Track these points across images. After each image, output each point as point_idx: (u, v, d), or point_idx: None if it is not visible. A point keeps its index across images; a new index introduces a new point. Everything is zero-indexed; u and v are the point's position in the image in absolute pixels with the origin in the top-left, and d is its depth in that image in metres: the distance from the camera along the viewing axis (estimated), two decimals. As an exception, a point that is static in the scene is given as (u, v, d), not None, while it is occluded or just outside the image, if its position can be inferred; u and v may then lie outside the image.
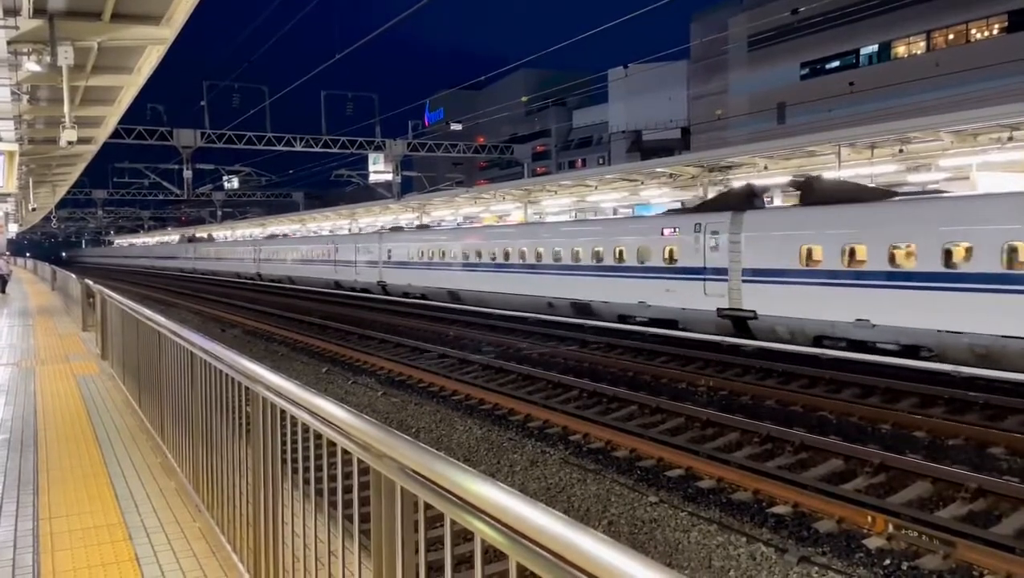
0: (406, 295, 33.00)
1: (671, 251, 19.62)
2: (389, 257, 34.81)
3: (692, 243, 18.82)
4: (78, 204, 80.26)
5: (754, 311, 17.25)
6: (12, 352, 13.20)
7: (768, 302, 16.96)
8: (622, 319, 20.98)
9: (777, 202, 22.83)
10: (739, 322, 17.73)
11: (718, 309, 18.06)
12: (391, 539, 2.13)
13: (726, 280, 17.85)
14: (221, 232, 76.38)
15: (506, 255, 26.20)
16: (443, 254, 30.31)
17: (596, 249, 22.30)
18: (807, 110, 44.18)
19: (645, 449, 10.23)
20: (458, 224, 40.10)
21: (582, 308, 22.53)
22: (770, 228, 17.22)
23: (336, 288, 39.96)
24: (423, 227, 37.75)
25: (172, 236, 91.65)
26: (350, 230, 51.56)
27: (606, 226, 24.18)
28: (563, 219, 34.99)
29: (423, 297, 31.52)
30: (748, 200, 18.55)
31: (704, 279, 18.45)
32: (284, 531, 3.12)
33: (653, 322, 19.91)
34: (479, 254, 27.86)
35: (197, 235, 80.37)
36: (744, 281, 17.47)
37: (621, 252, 21.36)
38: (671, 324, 19.40)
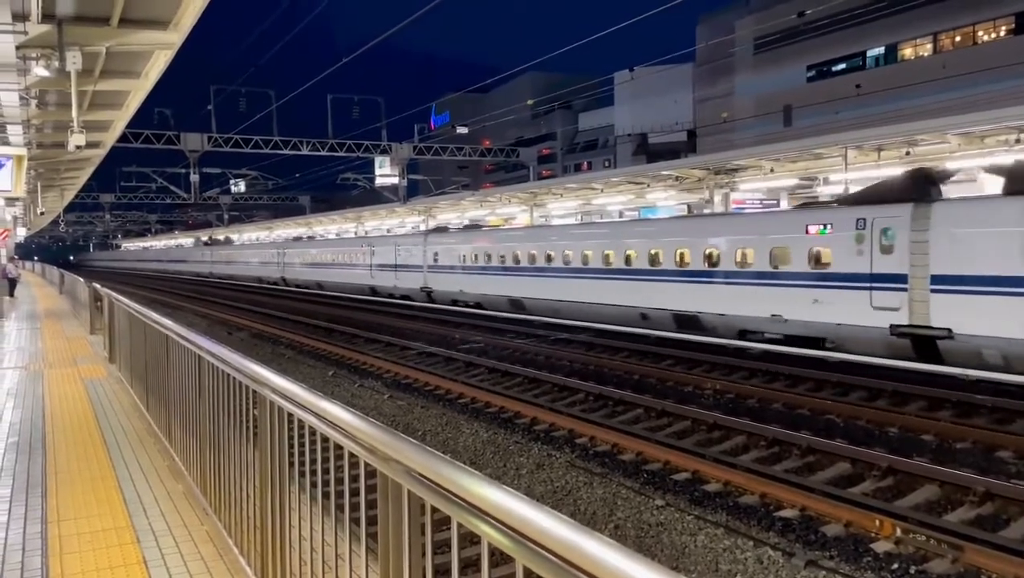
0: (455, 303, 29.49)
1: (820, 253, 16.19)
2: (436, 260, 31.14)
3: (852, 242, 15.36)
4: (86, 208, 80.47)
5: (949, 329, 13.75)
6: (20, 355, 13.26)
7: (973, 319, 13.40)
8: (743, 335, 17.53)
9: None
10: (923, 342, 14.25)
11: (892, 326, 14.59)
12: (398, 542, 2.13)
13: (905, 289, 14.43)
14: (240, 234, 74.50)
15: (585, 258, 22.71)
16: (504, 257, 26.61)
17: (709, 251, 18.57)
18: (814, 112, 44.08)
19: (652, 452, 10.22)
20: (508, 224, 36.87)
21: (687, 321, 19.06)
22: (977, 223, 13.54)
23: (372, 295, 36.64)
24: (473, 226, 34.07)
25: (187, 239, 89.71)
26: (361, 231, 51.13)
27: (724, 223, 19.55)
28: (660, 215, 30.32)
29: (477, 306, 27.96)
30: (923, 188, 14.95)
31: (871, 288, 15.00)
32: (291, 534, 3.13)
33: (790, 340, 16.33)
34: (549, 257, 24.24)
35: (214, 237, 77.76)
36: (934, 291, 14.01)
37: (745, 254, 17.71)
38: (815, 343, 16.00)
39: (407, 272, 33.49)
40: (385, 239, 38.02)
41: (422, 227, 42.23)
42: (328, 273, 42.57)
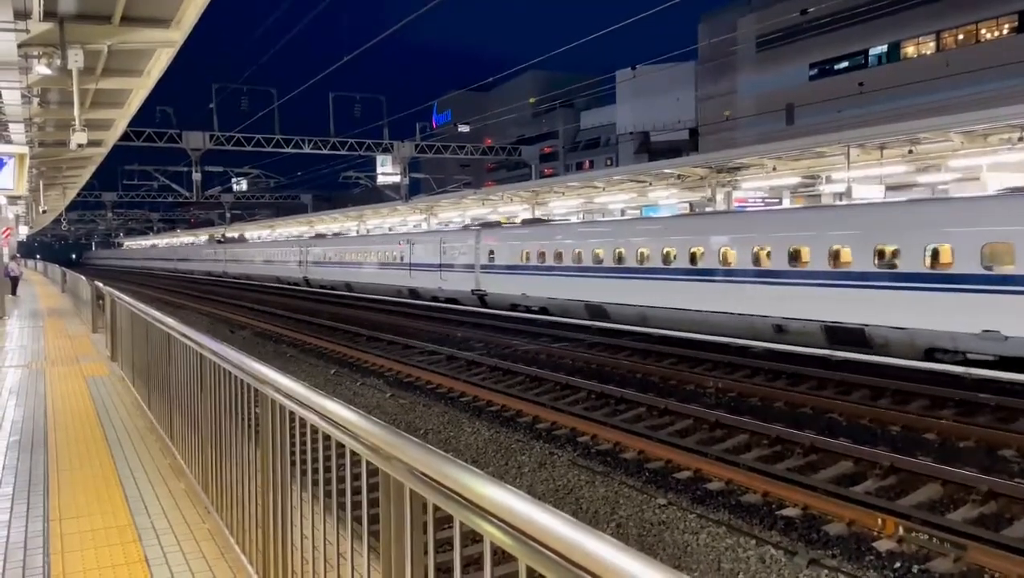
0: (514, 307, 25.76)
1: None
2: (491, 259, 27.25)
3: None
4: (88, 206, 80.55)
5: None
6: (23, 353, 13.27)
7: None
8: (929, 355, 14.07)
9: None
10: None
11: None
12: (400, 541, 2.13)
13: None
14: (256, 231, 70.80)
15: (693, 257, 19.02)
16: (580, 255, 22.76)
17: (883, 247, 15.03)
18: (816, 111, 44.04)
19: (654, 451, 10.21)
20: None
21: (848, 335, 15.27)
22: None
23: (412, 297, 32.90)
24: (535, 221, 29.36)
25: (198, 236, 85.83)
26: (366, 229, 49.87)
27: (907, 211, 15.56)
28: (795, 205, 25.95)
29: (542, 311, 24.31)
30: None
31: None
32: (293, 533, 3.13)
33: (1005, 362, 12.90)
34: (642, 256, 20.47)
35: (227, 235, 73.72)
36: None
37: (942, 251, 14.18)
38: None
39: (455, 272, 29.54)
40: (428, 235, 33.71)
41: (424, 226, 42.15)
42: (359, 273, 38.86)
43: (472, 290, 28.32)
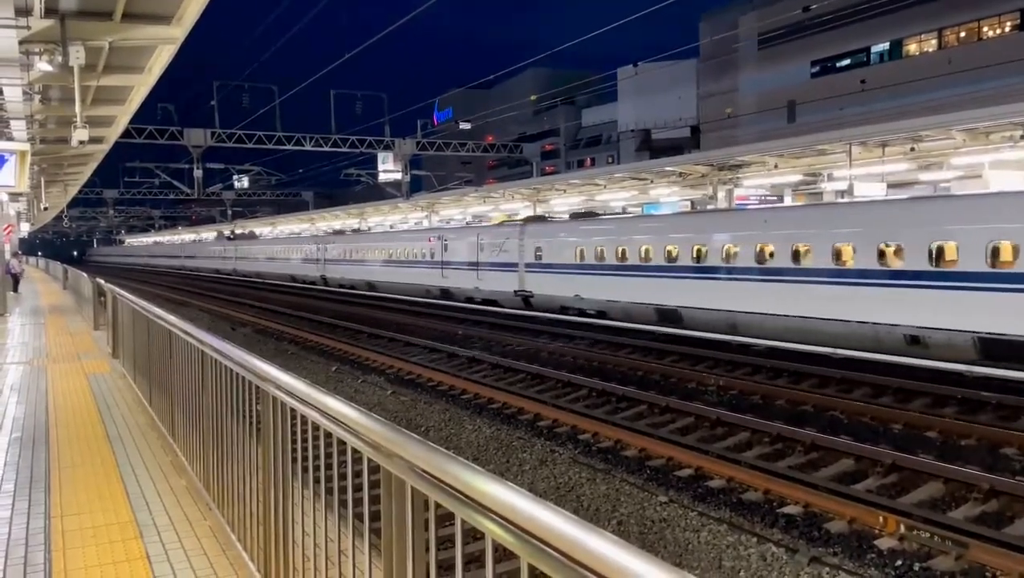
0: (564, 310, 23.33)
1: None
2: (538, 256, 24.66)
3: None
4: (89, 203, 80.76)
5: None
6: (24, 350, 13.28)
7: None
8: None
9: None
10: None
11: None
12: (401, 538, 2.13)
13: None
14: (267, 228, 67.52)
15: (796, 255, 16.37)
16: (649, 253, 20.18)
17: None
18: (818, 108, 43.95)
19: (655, 449, 10.21)
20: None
21: (1013, 350, 12.69)
22: None
23: (443, 298, 30.31)
24: (588, 214, 26.67)
25: (206, 233, 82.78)
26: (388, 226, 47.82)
27: None
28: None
29: (599, 314, 21.82)
30: None
31: None
32: (294, 530, 3.13)
33: None
34: (730, 254, 17.76)
35: (237, 231, 70.91)
36: None
37: None
38: None
39: (495, 272, 26.82)
40: (464, 231, 31.14)
41: (425, 223, 42.05)
42: (383, 272, 36.08)
43: (515, 291, 25.73)
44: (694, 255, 18.77)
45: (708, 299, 18.22)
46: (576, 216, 26.73)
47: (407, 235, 36.22)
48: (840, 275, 15.46)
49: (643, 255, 20.38)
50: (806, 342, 15.54)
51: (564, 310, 23.26)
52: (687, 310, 18.88)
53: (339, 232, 46.06)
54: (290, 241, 52.67)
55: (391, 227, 47.38)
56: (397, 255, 34.79)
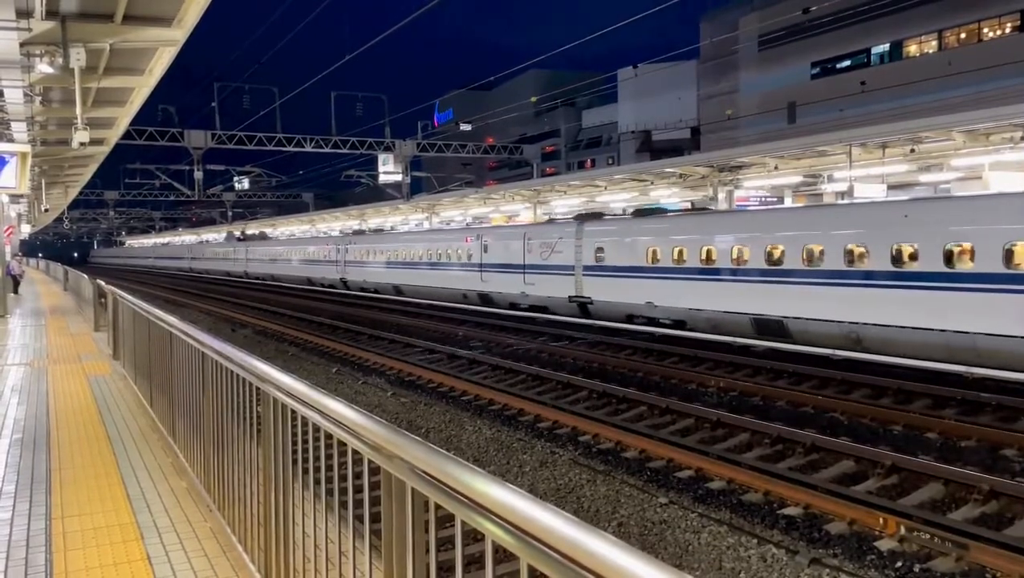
0: (630, 319, 20.47)
1: None
2: (599, 258, 21.61)
3: None
4: (90, 205, 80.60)
5: None
6: (25, 352, 13.28)
7: None
8: None
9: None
10: None
11: None
12: (401, 539, 2.13)
13: None
14: (282, 228, 64.71)
15: (949, 257, 13.39)
16: (744, 255, 17.17)
17: None
18: (818, 110, 43.94)
19: (655, 450, 10.21)
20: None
21: None
22: None
23: (483, 304, 27.38)
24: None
25: (215, 234, 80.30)
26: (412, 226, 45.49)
27: None
28: None
29: (677, 325, 18.92)
30: None
31: None
32: (295, 531, 3.13)
33: None
34: (850, 256, 14.93)
35: (248, 232, 67.92)
36: None
37: None
38: None
39: (546, 275, 23.79)
40: (507, 230, 27.93)
41: (426, 225, 41.97)
42: (412, 275, 32.92)
43: (570, 297, 22.72)
44: (806, 258, 15.90)
45: (824, 309, 15.37)
46: (640, 212, 22.72)
47: (440, 234, 33.19)
48: (1010, 281, 12.20)
49: (737, 258, 17.35)
50: (958, 362, 12.91)
51: (631, 319, 20.47)
52: (798, 321, 15.88)
53: (360, 232, 43.19)
54: (307, 242, 49.86)
55: (419, 224, 44.69)
56: (429, 256, 31.66)
